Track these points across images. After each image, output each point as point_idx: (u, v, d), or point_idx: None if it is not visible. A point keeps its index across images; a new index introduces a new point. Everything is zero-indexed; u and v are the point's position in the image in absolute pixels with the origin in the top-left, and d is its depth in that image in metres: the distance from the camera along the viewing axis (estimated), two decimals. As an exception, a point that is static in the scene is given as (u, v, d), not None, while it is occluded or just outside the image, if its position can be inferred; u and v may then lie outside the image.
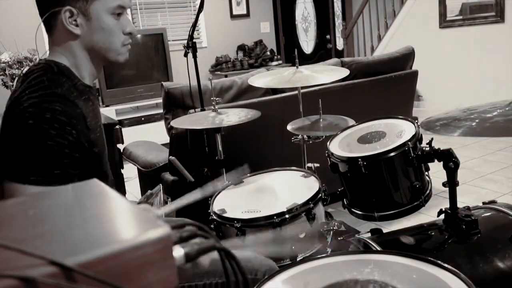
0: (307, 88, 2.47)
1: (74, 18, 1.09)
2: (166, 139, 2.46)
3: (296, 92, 2.23)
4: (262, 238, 1.46)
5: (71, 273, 0.37)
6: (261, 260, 1.29)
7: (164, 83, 2.45)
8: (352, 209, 1.53)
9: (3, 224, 0.46)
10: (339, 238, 1.58)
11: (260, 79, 2.06)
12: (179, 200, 1.26)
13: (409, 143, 1.37)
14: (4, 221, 0.47)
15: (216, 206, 1.60)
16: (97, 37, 1.13)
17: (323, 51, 7.14)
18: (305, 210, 1.49)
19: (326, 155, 1.54)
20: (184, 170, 2.03)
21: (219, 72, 5.72)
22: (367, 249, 1.27)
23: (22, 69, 3.07)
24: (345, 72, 2.01)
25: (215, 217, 1.54)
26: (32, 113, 1.00)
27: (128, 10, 1.37)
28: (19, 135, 1.01)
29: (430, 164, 1.45)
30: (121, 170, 2.60)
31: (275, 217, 1.44)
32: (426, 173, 1.48)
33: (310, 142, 2.12)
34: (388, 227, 2.09)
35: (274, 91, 2.67)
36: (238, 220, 1.47)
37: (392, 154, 1.38)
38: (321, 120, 2.06)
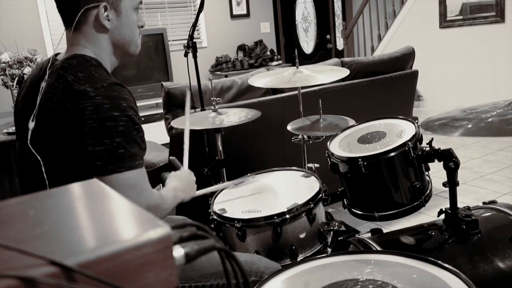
0: (307, 88, 2.47)
1: (107, 14, 1.15)
2: (166, 139, 2.46)
3: (296, 92, 2.23)
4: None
5: (71, 273, 0.37)
6: (266, 262, 1.29)
7: (164, 83, 2.45)
8: (352, 209, 1.53)
9: (3, 224, 0.46)
10: (339, 238, 1.58)
11: (260, 79, 2.06)
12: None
13: (409, 143, 1.37)
14: (4, 221, 0.47)
15: (216, 206, 1.61)
16: (124, 31, 1.21)
17: (323, 51, 7.13)
18: (305, 210, 1.49)
19: (326, 155, 1.54)
20: (184, 170, 2.02)
21: (219, 72, 5.71)
22: (367, 249, 1.27)
23: (22, 69, 3.07)
24: (345, 72, 2.01)
25: (215, 217, 1.54)
26: (111, 104, 1.03)
27: None
28: (109, 128, 1.03)
29: (430, 164, 1.45)
30: (121, 170, 2.59)
31: (275, 217, 1.44)
32: (426, 173, 1.48)
33: (310, 142, 2.12)
34: (388, 227, 2.09)
35: (274, 91, 2.66)
36: (239, 220, 1.47)
37: (392, 154, 1.38)
38: (321, 120, 2.06)
